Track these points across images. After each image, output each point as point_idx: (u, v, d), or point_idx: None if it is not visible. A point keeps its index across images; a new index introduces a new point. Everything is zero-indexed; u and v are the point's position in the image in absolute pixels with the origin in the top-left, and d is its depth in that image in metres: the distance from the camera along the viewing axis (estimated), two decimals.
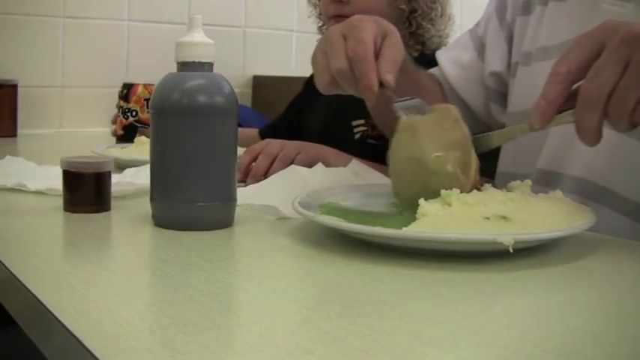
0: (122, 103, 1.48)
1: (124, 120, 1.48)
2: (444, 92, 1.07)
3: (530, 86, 0.92)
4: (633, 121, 0.60)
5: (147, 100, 1.48)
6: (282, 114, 1.57)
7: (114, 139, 1.49)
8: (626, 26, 0.60)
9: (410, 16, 1.34)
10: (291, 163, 0.98)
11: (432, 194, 0.65)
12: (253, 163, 1.00)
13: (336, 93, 0.78)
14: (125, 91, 1.48)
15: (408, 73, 0.87)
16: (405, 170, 0.71)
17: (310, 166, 0.96)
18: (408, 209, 0.67)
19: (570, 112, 0.63)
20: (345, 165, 0.98)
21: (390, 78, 0.72)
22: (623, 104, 0.59)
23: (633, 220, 0.80)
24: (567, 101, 0.63)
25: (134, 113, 1.47)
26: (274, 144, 1.03)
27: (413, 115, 0.72)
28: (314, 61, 0.79)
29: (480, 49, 1.05)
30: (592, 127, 0.61)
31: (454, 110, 0.70)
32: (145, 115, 1.48)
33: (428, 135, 0.69)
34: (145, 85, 1.49)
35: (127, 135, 1.45)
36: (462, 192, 0.65)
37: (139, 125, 1.47)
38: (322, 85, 0.78)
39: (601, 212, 0.79)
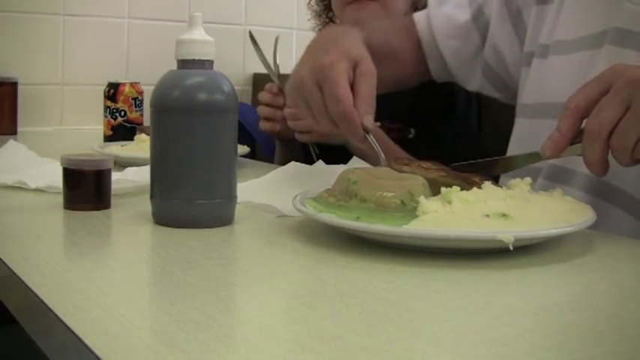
0: (109, 103, 1.46)
1: (111, 120, 1.45)
2: (415, 49, 1.06)
3: (546, 80, 0.91)
4: (635, 157, 0.65)
5: (135, 99, 1.46)
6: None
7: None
8: (631, 70, 0.65)
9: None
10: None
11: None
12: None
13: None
14: (112, 91, 1.46)
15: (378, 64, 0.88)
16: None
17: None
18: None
19: (580, 144, 0.68)
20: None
21: (369, 121, 0.79)
22: (623, 141, 0.64)
23: (639, 219, 0.80)
24: (578, 136, 0.69)
25: (122, 113, 1.45)
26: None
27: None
28: (299, 108, 0.87)
29: (477, 16, 1.03)
30: (595, 158, 0.66)
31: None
32: (133, 115, 1.46)
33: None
34: (132, 84, 1.46)
35: (116, 135, 1.43)
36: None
37: (129, 125, 1.45)
38: (324, 129, 0.84)
39: (609, 210, 0.79)
